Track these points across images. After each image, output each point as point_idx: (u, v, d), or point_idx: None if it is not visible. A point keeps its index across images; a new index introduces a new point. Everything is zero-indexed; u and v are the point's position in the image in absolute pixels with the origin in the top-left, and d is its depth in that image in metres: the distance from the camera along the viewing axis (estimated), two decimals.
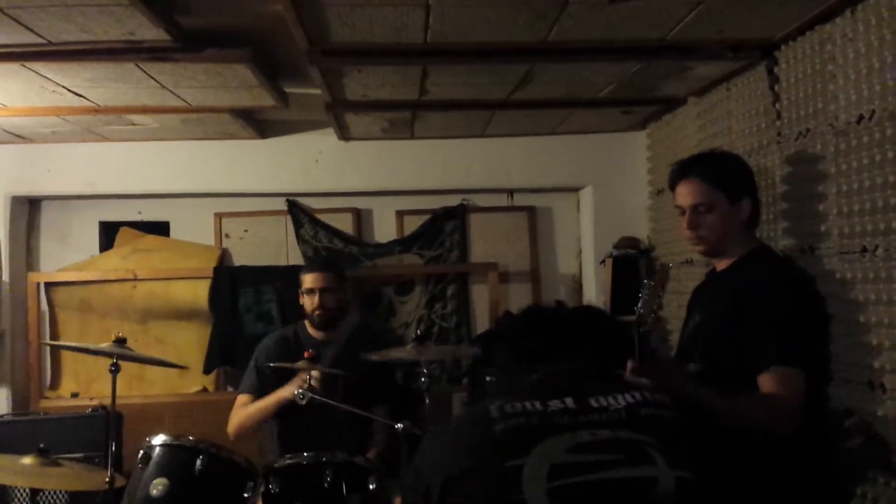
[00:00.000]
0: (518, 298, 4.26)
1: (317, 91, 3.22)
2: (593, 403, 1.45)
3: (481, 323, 4.26)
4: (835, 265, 2.33)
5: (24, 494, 3.06)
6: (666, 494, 1.34)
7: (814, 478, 2.09)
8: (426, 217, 4.35)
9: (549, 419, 1.42)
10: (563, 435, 1.39)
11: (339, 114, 3.60)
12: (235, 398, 3.36)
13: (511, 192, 4.40)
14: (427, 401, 3.04)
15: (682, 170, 2.32)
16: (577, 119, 3.85)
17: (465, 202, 4.35)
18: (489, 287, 4.23)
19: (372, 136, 4.12)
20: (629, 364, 1.80)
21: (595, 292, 4.15)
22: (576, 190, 4.39)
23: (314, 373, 2.99)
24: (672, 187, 2.36)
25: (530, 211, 4.40)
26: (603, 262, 4.02)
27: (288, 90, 3.35)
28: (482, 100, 3.45)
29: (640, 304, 1.94)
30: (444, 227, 4.32)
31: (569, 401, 1.46)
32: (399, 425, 2.76)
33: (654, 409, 1.47)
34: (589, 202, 4.25)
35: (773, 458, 2.02)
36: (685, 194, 2.28)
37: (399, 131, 4.01)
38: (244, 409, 3.27)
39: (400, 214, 4.38)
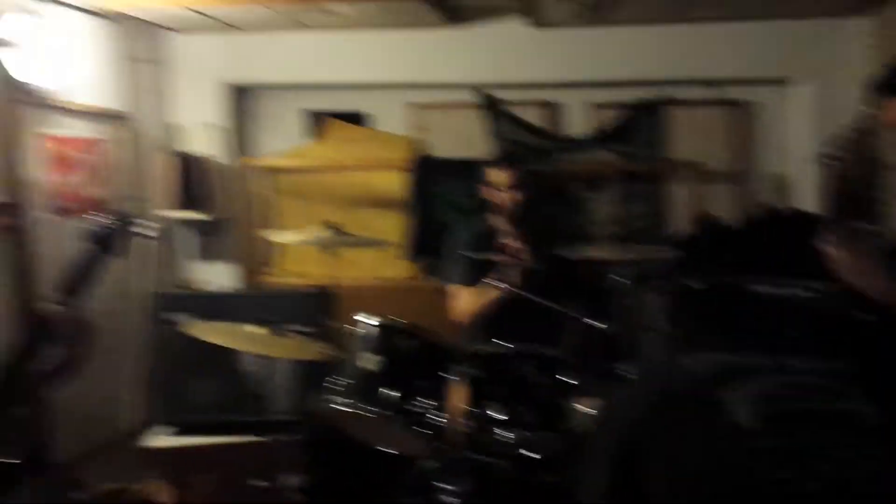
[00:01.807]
0: (719, 200, 4.09)
1: None
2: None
3: (678, 225, 4.13)
4: None
5: (253, 360, 3.38)
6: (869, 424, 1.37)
7: None
8: (622, 111, 4.20)
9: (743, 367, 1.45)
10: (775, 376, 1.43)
11: None
12: (435, 285, 3.48)
13: (715, 84, 4.12)
14: (618, 301, 3.05)
15: None
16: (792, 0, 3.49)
17: (664, 95, 4.14)
18: (689, 187, 4.07)
19: (568, 23, 3.97)
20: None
21: (808, 194, 3.88)
22: (787, 83, 4.05)
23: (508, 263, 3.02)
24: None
25: (736, 105, 4.13)
26: (825, 160, 3.73)
27: None
28: None
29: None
30: (642, 121, 4.16)
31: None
32: (593, 322, 2.79)
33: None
34: (802, 96, 3.92)
35: None
36: None
37: (597, 17, 3.83)
38: (468, 301, 3.31)
39: (595, 108, 4.26)
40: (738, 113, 4.14)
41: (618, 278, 3.10)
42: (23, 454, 1.75)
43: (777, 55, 3.91)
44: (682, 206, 4.13)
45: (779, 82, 4.07)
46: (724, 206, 4.07)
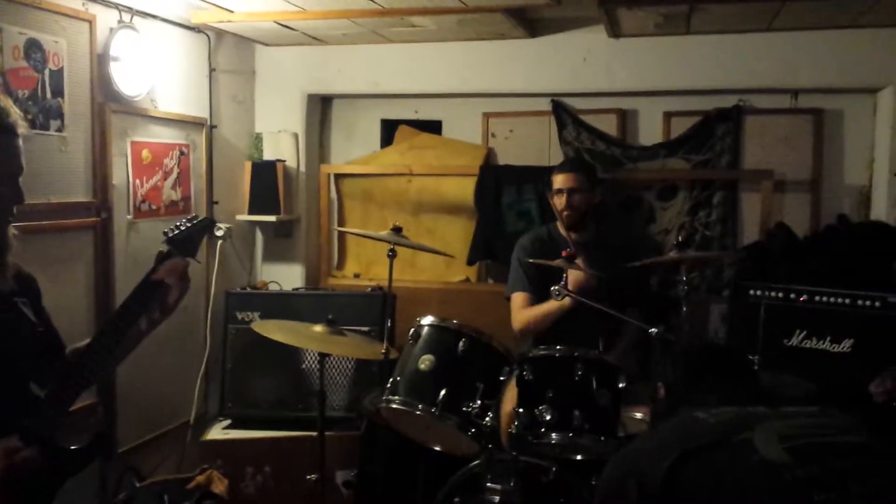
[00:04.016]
0: (794, 210, 3.95)
1: None
2: None
3: (749, 234, 4.02)
4: None
5: (314, 357, 3.50)
6: None
7: None
8: (696, 119, 4.11)
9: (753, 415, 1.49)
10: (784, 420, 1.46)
11: (611, 9, 3.48)
12: (493, 289, 3.52)
13: (796, 93, 4.01)
14: (684, 309, 3.00)
15: None
16: (885, 8, 3.36)
17: (741, 103, 4.05)
18: (762, 196, 3.94)
19: (644, 33, 3.93)
20: None
21: (886, 206, 3.72)
22: (873, 91, 3.89)
23: (575, 274, 3.04)
24: None
25: (817, 114, 3.99)
26: None
27: None
28: None
29: None
30: (716, 130, 4.06)
31: None
32: (653, 330, 2.76)
33: None
34: (889, 105, 3.76)
35: None
36: None
37: (674, 26, 3.79)
38: (529, 311, 3.39)
39: (668, 116, 4.19)
40: (820, 121, 3.99)
41: (682, 287, 3.06)
42: (88, 440, 1.85)
43: (864, 64, 3.75)
44: (755, 215, 4.00)
45: (864, 91, 3.91)
46: (799, 216, 3.93)
